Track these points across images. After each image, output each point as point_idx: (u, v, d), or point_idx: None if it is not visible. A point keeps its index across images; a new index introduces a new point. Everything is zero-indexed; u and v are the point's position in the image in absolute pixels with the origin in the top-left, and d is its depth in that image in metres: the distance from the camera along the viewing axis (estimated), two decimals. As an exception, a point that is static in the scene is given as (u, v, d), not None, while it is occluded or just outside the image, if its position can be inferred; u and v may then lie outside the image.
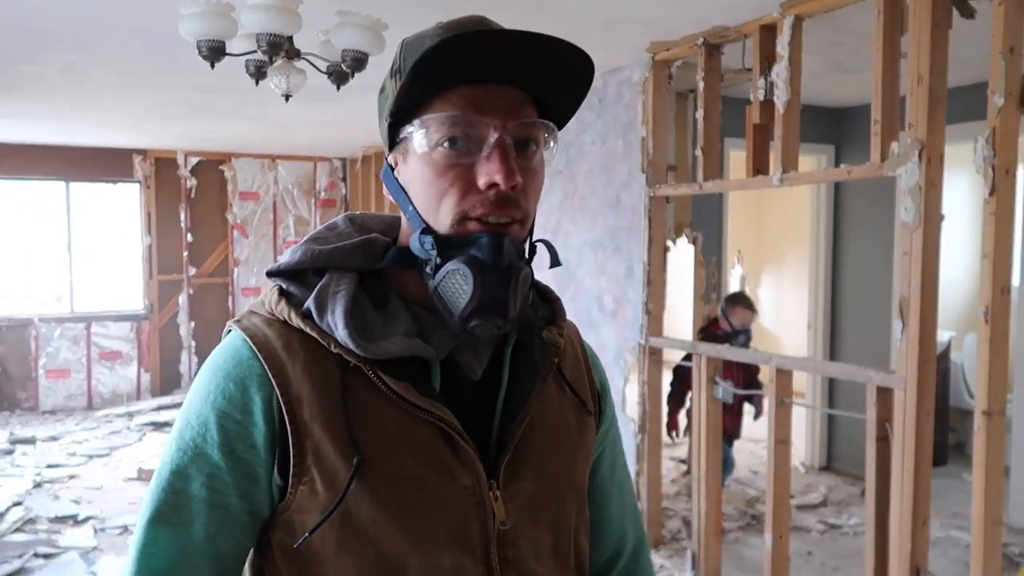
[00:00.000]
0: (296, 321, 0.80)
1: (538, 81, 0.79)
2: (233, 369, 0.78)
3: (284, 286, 0.83)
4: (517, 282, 0.79)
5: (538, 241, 0.85)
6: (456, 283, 0.77)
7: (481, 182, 0.77)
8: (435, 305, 0.80)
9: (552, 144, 0.82)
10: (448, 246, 0.78)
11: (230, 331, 0.83)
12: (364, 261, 0.85)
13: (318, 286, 0.81)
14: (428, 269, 0.79)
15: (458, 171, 0.77)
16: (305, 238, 0.87)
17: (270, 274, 0.85)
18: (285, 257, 0.85)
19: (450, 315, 0.78)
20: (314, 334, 0.79)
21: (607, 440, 0.99)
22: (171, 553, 0.76)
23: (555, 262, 0.89)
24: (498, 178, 0.75)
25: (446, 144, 0.77)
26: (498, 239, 0.77)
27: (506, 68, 0.77)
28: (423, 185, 0.79)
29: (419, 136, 0.79)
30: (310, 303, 0.80)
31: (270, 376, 0.77)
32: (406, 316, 0.82)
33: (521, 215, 0.79)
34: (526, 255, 0.82)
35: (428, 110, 0.78)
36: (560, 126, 0.84)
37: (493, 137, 0.77)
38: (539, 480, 0.85)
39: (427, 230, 0.79)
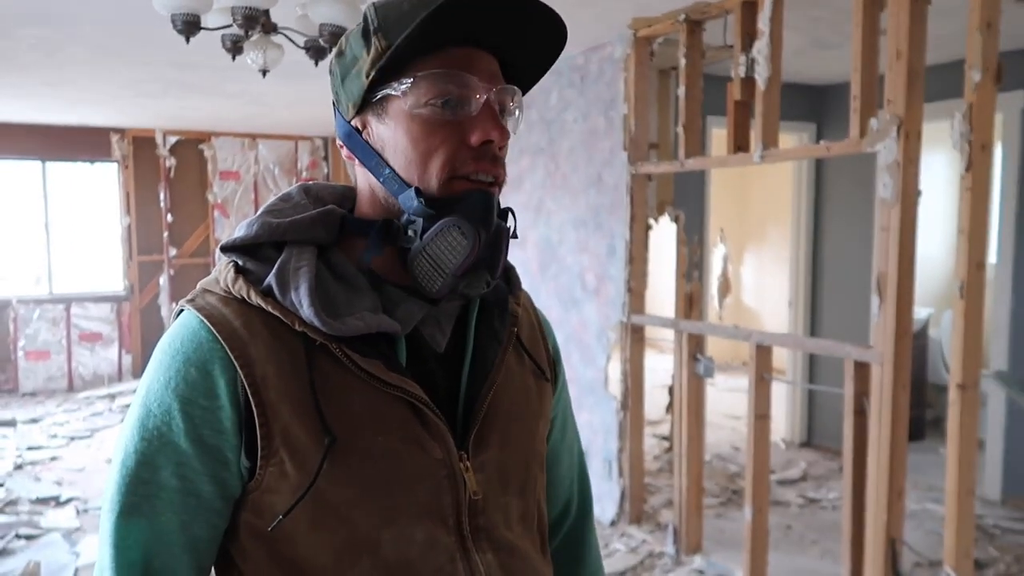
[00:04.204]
0: (256, 299, 0.76)
1: (513, 49, 0.80)
2: (193, 353, 0.75)
3: (240, 262, 0.80)
4: (507, 240, 0.81)
5: (506, 208, 0.85)
6: (452, 239, 0.76)
7: (475, 138, 0.77)
8: (415, 269, 0.78)
9: (518, 113, 0.83)
10: (437, 206, 0.77)
11: (182, 311, 0.80)
12: (323, 234, 0.82)
13: (279, 262, 0.78)
14: (410, 232, 0.78)
15: (448, 129, 0.77)
16: (260, 210, 0.84)
17: (225, 249, 0.81)
18: (240, 231, 0.81)
19: (438, 275, 0.77)
20: (276, 312, 0.76)
21: (560, 404, 1.01)
22: (147, 544, 0.75)
23: (513, 233, 0.88)
24: (494, 135, 0.77)
25: (440, 101, 0.77)
26: (488, 196, 0.78)
27: (493, 33, 0.78)
28: (408, 144, 0.78)
29: (407, 93, 0.77)
30: (271, 280, 0.77)
31: (232, 358, 0.74)
32: (369, 290, 0.81)
33: (503, 176, 0.81)
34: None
35: (416, 68, 0.77)
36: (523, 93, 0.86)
37: (483, 97, 0.78)
38: (505, 448, 0.85)
39: (418, 191, 0.78)
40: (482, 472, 0.83)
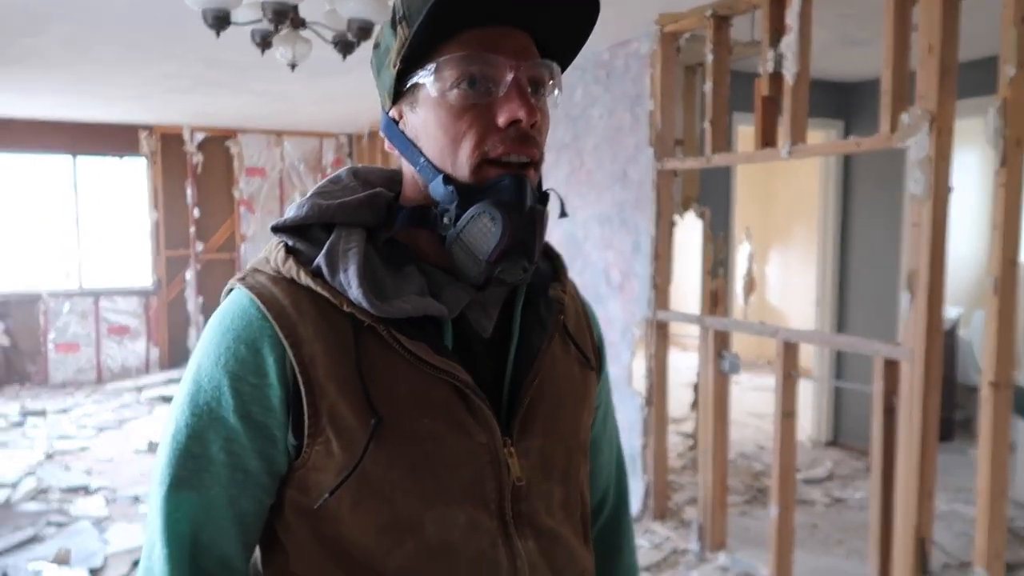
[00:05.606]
0: (305, 279, 0.77)
1: (544, 23, 0.79)
2: (243, 331, 0.76)
3: (290, 243, 0.80)
4: (542, 223, 0.79)
5: (548, 189, 0.84)
6: (483, 226, 0.75)
7: (502, 119, 0.76)
8: (453, 256, 0.78)
9: (556, 89, 0.81)
10: (468, 193, 0.77)
11: (232, 289, 0.80)
12: (370, 216, 0.83)
13: (328, 243, 0.79)
14: (446, 219, 0.78)
15: (476, 112, 0.77)
16: (310, 192, 0.85)
17: (275, 229, 0.82)
18: (291, 212, 0.82)
19: (473, 262, 0.77)
20: (325, 293, 0.76)
21: (603, 393, 1.01)
22: (195, 516, 0.76)
23: (562, 212, 0.88)
24: (521, 114, 0.75)
25: (464, 84, 0.76)
26: (520, 180, 0.77)
27: (517, 8, 0.76)
28: (438, 130, 0.78)
29: (432, 80, 0.77)
30: (321, 261, 0.78)
31: (281, 337, 0.75)
32: (416, 273, 0.81)
33: (538, 154, 0.79)
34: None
35: (440, 54, 0.77)
36: (562, 69, 0.83)
37: (509, 76, 0.76)
38: (549, 436, 0.85)
39: (448, 178, 0.78)
40: (526, 458, 0.82)
